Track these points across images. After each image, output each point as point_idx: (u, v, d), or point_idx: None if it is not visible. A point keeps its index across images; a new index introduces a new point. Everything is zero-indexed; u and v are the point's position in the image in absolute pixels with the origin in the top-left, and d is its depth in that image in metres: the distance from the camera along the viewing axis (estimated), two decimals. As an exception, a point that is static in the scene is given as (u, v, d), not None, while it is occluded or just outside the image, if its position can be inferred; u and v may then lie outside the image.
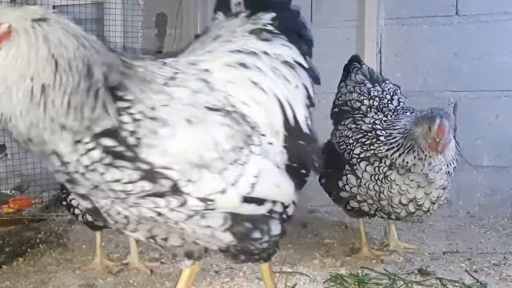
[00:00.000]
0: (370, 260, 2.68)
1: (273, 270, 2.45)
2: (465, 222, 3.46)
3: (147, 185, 1.36)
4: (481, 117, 3.55)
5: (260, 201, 1.53)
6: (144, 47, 4.30)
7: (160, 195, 1.39)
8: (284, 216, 1.62)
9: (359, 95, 2.83)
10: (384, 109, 2.74)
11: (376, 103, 2.77)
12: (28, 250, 2.82)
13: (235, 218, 1.50)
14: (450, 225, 3.39)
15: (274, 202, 1.57)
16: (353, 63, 2.95)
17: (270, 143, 1.55)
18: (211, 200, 1.44)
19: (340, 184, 2.65)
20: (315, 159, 1.66)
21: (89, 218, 2.49)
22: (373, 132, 2.59)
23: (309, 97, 1.71)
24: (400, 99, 2.83)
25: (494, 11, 3.52)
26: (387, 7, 3.68)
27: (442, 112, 2.40)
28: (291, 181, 1.59)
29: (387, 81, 2.90)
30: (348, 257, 2.74)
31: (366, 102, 2.79)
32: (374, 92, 2.81)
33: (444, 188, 2.45)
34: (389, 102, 2.78)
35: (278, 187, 1.56)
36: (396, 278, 2.36)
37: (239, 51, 1.60)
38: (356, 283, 2.32)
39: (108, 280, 2.46)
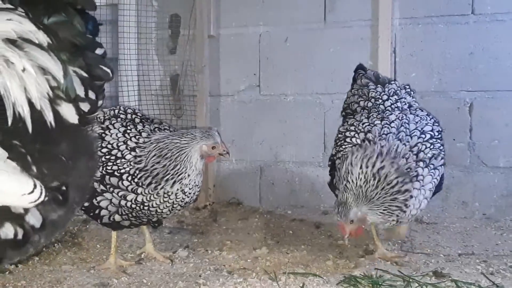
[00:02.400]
0: (384, 261, 2.66)
1: (286, 271, 2.45)
2: (481, 223, 3.41)
3: None
4: (497, 118, 3.49)
5: None
6: (157, 48, 4.33)
7: None
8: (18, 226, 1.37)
9: (359, 97, 2.84)
10: (372, 110, 2.72)
11: (370, 104, 2.77)
12: (44, 249, 2.85)
13: None
14: (465, 226, 3.34)
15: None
16: (358, 70, 2.99)
17: None
18: None
19: (334, 182, 2.70)
20: (63, 160, 1.41)
21: (117, 218, 2.53)
22: (343, 134, 2.65)
23: (56, 87, 1.41)
24: (402, 99, 2.78)
25: (511, 9, 3.46)
26: (401, 7, 3.64)
27: (340, 210, 2.43)
28: (12, 177, 1.34)
29: (393, 82, 2.87)
30: (362, 258, 2.72)
31: (361, 103, 2.80)
32: (372, 93, 2.80)
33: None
34: (382, 103, 2.74)
35: None
36: (410, 280, 2.33)
37: None
38: (370, 285, 2.30)
39: (122, 280, 2.47)
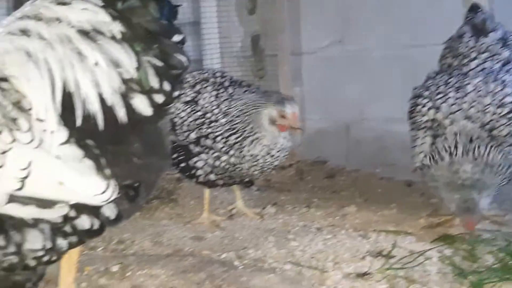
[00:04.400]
0: (483, 220, 2.52)
1: (376, 229, 2.42)
2: None
3: None
4: None
5: (43, 202, 1.31)
6: (237, 9, 4.32)
7: None
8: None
9: (450, 51, 2.62)
10: (454, 72, 2.49)
11: (456, 63, 2.54)
12: (144, 205, 3.06)
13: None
14: None
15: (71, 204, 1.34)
16: (468, 13, 2.69)
17: (50, 131, 1.30)
18: None
19: None
20: (135, 157, 1.39)
21: (212, 178, 2.67)
22: (415, 99, 2.52)
23: (129, 79, 1.35)
24: (495, 56, 2.47)
25: None
26: None
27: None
28: (86, 179, 1.33)
29: (492, 33, 2.52)
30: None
31: (449, 60, 2.59)
32: (461, 49, 2.55)
33: None
34: (468, 63, 2.48)
35: (63, 184, 1.31)
36: (511, 240, 2.21)
37: (28, 16, 1.37)
38: (467, 244, 2.21)
39: (215, 234, 2.60)
